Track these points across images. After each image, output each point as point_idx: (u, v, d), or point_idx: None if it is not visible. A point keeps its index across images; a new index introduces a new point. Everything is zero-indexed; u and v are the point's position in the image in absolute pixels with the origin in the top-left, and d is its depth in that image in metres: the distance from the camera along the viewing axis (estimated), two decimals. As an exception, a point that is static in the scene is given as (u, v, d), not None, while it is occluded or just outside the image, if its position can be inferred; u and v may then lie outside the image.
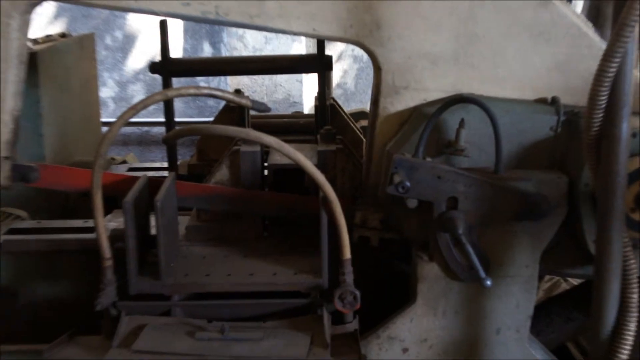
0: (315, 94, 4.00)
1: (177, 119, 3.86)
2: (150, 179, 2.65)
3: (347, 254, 2.43)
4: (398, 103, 2.49)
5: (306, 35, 2.43)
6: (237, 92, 3.94)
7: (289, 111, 6.86)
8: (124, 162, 4.55)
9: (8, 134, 2.41)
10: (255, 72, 5.24)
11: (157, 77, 3.62)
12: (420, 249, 2.56)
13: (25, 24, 2.40)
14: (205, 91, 2.47)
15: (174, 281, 2.46)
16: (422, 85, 2.48)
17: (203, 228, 2.82)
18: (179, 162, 3.89)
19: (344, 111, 4.12)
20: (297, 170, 2.70)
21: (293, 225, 2.85)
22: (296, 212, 2.79)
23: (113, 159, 4.51)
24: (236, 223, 2.82)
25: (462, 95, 2.46)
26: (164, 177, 2.65)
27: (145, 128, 7.72)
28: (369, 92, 3.00)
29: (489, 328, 2.55)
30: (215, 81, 7.77)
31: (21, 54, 2.40)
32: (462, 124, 2.43)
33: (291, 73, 5.24)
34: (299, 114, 4.96)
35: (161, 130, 7.58)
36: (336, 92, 8.36)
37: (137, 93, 7.80)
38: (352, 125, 4.00)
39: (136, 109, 2.39)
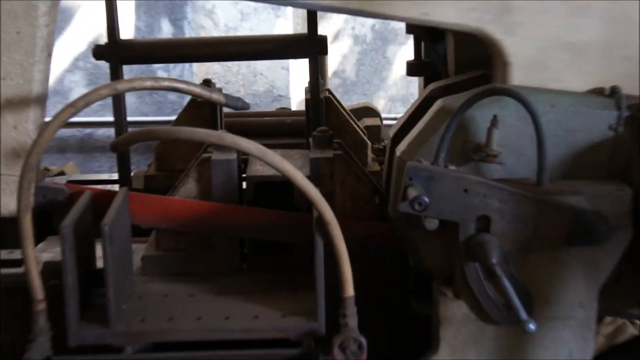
0: (306, 85, 4.00)
1: (129, 119, 3.86)
2: (95, 195, 2.65)
3: (350, 290, 2.42)
4: None
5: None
6: (206, 83, 3.95)
7: (273, 107, 6.86)
8: (62, 173, 4.54)
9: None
10: (229, 58, 5.23)
11: (103, 64, 3.62)
12: (443, 283, 2.56)
13: (54, 7, 2.36)
14: (165, 83, 2.46)
15: (127, 328, 2.45)
16: (562, 84, 2.49)
17: (164, 259, 2.82)
18: (132, 173, 3.89)
19: (342, 106, 4.13)
20: (283, 184, 2.71)
21: (279, 253, 2.85)
22: (283, 237, 2.79)
23: (47, 169, 4.50)
24: (207, 252, 2.82)
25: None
26: (114, 193, 2.65)
27: (88, 130, 7.69)
28: (374, 82, 3.00)
29: (533, 384, 2.56)
30: (177, 69, 7.76)
31: (49, 44, 2.35)
32: (494, 122, 2.44)
33: (275, 58, 5.25)
34: (286, 111, 4.97)
35: (108, 132, 7.54)
36: (332, 83, 8.37)
37: (77, 85, 7.79)
38: (353, 124, 4.00)
39: (76, 106, 2.37)
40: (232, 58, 4.97)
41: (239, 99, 2.67)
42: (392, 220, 2.64)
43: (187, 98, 4.02)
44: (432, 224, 2.41)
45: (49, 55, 2.40)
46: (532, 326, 2.35)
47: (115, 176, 3.90)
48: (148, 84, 2.46)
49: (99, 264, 2.58)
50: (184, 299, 2.65)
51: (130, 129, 2.86)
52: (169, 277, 2.80)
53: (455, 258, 2.50)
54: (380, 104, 8.67)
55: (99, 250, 2.47)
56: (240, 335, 2.46)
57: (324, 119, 3.79)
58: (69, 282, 2.38)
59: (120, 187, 3.69)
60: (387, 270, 2.86)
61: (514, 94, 2.41)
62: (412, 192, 2.35)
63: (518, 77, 2.54)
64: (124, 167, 3.71)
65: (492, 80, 2.66)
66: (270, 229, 2.78)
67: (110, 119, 3.77)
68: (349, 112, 4.14)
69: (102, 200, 2.62)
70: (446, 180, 2.37)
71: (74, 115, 2.41)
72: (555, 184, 2.45)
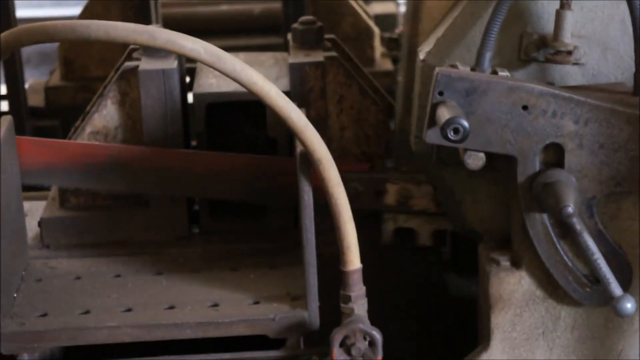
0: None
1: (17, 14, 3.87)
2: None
3: (355, 260, 2.42)
4: None
5: None
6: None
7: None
8: None
9: None
10: None
11: None
12: (494, 247, 2.58)
13: None
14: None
15: (21, 327, 2.46)
16: None
17: (74, 223, 2.85)
18: (27, 85, 3.94)
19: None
20: (249, 106, 2.72)
21: (246, 213, 2.88)
22: (252, 193, 2.82)
23: None
24: (138, 212, 2.85)
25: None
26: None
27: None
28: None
29: (632, 390, 2.58)
30: None
31: None
32: (566, 1, 2.41)
33: None
34: (252, -5, 4.97)
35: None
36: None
37: None
38: (352, 3, 4.01)
39: None
40: None
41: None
42: (416, 156, 2.63)
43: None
44: (476, 160, 2.39)
45: None
46: (629, 305, 2.34)
47: (2, 90, 3.94)
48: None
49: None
50: (106, 282, 2.66)
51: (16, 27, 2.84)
52: (81, 249, 2.81)
53: (512, 209, 2.50)
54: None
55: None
56: (192, 332, 2.47)
57: (309, 4, 3.78)
58: None
59: (9, 104, 3.74)
60: (411, 233, 2.87)
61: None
62: (444, 114, 2.33)
63: None
64: (13, 76, 3.72)
65: None
66: (232, 182, 2.79)
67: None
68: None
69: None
70: (495, 93, 2.36)
71: None
72: (661, 93, 2.43)
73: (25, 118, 3.73)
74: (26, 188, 2.76)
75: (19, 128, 3.60)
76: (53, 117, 3.86)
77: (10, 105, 3.74)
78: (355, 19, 3.77)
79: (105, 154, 2.79)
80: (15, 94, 3.70)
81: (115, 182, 2.80)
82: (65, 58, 3.79)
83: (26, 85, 3.83)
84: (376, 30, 3.97)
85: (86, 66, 3.78)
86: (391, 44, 4.13)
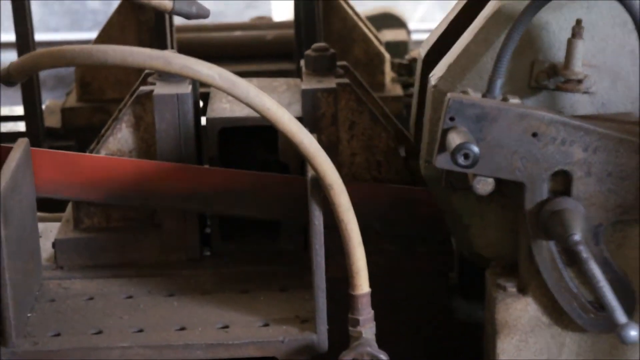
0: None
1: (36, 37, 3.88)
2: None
3: (363, 285, 2.43)
4: None
5: None
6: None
7: (247, 17, 6.84)
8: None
9: None
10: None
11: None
12: (501, 273, 2.58)
13: None
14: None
15: (34, 347, 2.46)
16: None
17: (87, 244, 2.84)
18: (45, 105, 3.96)
19: (352, 9, 4.13)
20: (262, 130, 2.72)
21: (258, 235, 2.88)
22: (263, 211, 2.80)
23: None
24: (150, 233, 2.85)
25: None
26: (7, 148, 2.63)
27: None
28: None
29: (638, 420, 2.56)
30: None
31: None
32: (578, 29, 2.41)
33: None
34: (265, 22, 4.96)
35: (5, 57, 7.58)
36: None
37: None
38: (363, 29, 4.01)
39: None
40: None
41: (194, 2, 2.67)
42: (426, 181, 2.63)
43: (115, 4, 4.03)
44: (485, 185, 2.40)
45: None
46: (634, 333, 2.31)
47: (19, 111, 3.96)
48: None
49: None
50: (118, 303, 2.66)
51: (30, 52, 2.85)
52: (94, 270, 2.81)
53: (519, 235, 2.50)
54: (408, 9, 8.64)
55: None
56: (203, 354, 2.47)
57: (321, 30, 3.79)
58: (-56, 280, 2.38)
59: (26, 125, 3.76)
60: (418, 256, 2.87)
61: (607, -12, 2.40)
62: (454, 139, 2.33)
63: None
64: (31, 97, 3.74)
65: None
66: (244, 199, 2.79)
67: (6, 37, 3.80)
68: (363, 19, 4.16)
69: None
70: (506, 120, 2.36)
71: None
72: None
73: (42, 139, 3.76)
74: (43, 200, 2.77)
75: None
76: (69, 137, 3.89)
77: (28, 126, 3.76)
78: (366, 45, 3.80)
79: (120, 170, 2.79)
80: (33, 115, 3.74)
81: (128, 199, 2.80)
82: (81, 80, 3.84)
83: (43, 107, 3.86)
84: (387, 55, 3.99)
85: (102, 88, 3.82)
86: (401, 70, 4.16)
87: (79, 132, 3.61)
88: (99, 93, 3.84)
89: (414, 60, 4.18)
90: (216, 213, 2.84)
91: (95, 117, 3.65)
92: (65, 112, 3.90)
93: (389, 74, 4.00)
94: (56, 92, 6.84)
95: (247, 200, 2.80)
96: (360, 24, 3.97)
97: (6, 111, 4.28)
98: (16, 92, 3.66)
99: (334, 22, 3.86)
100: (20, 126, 3.87)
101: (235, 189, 2.79)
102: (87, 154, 2.84)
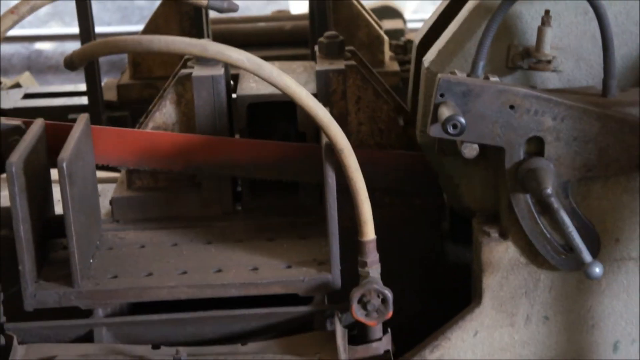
0: (309, -20, 3.98)
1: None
2: (48, 125, 2.64)
3: (370, 232, 2.43)
4: None
5: None
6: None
7: (268, 10, 6.81)
8: (17, 85, 4.56)
9: None
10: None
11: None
12: (485, 221, 2.58)
13: None
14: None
15: (96, 287, 2.47)
16: None
17: (139, 201, 2.84)
18: (103, 83, 4.00)
19: (360, 3, 4.12)
20: (284, 105, 2.72)
21: (281, 192, 2.87)
22: (286, 173, 2.80)
23: (-1, 82, 4.55)
24: (191, 192, 2.84)
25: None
26: (69, 124, 2.63)
27: (37, 45, 7.65)
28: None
29: (601, 342, 2.58)
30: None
31: None
32: (547, 18, 2.42)
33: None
34: (284, 14, 4.94)
35: (61, 48, 7.49)
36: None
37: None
38: (367, 16, 4.01)
39: (19, 13, 2.36)
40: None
41: (225, -1, 2.65)
42: (421, 147, 2.64)
43: (158, 2, 4.03)
44: (470, 150, 2.40)
45: None
46: (598, 270, 2.34)
47: (83, 87, 4.01)
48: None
49: (58, 209, 2.58)
50: (165, 250, 2.66)
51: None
52: (145, 223, 2.81)
53: (500, 190, 2.50)
54: (405, 3, 8.56)
55: (57, 193, 2.46)
56: (236, 291, 2.48)
57: (331, 22, 3.79)
58: (21, 231, 2.37)
59: (89, 99, 3.81)
60: (415, 208, 2.87)
61: (572, -18, 2.40)
62: (444, 112, 2.34)
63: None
64: (92, 76, 3.79)
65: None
66: (269, 164, 2.79)
67: (61, 30, 3.85)
68: (369, 11, 4.16)
69: (58, 132, 2.61)
70: (487, 95, 2.36)
71: (16, 24, 2.40)
72: (625, 94, 2.43)
73: (102, 110, 3.82)
74: (102, 167, 2.80)
75: (96, 118, 3.71)
76: (124, 109, 3.95)
77: (90, 100, 3.83)
78: (369, 29, 3.83)
79: (165, 142, 2.80)
80: (94, 91, 3.81)
81: (173, 164, 2.81)
82: (133, 61, 3.90)
83: (102, 84, 3.93)
84: (386, 38, 4.03)
85: (150, 68, 3.88)
86: (398, 50, 4.22)
87: (132, 104, 3.69)
88: (148, 72, 3.89)
89: (408, 41, 4.23)
90: (246, 176, 2.85)
91: (145, 92, 3.72)
92: (120, 88, 3.96)
93: (387, 53, 4.03)
94: (110, 75, 6.85)
95: (271, 165, 2.80)
96: (364, 12, 3.98)
97: (72, 88, 4.34)
98: (79, 74, 3.71)
99: (342, 10, 3.88)
100: (84, 100, 3.92)
101: (261, 156, 2.79)
102: (136, 129, 2.84)
